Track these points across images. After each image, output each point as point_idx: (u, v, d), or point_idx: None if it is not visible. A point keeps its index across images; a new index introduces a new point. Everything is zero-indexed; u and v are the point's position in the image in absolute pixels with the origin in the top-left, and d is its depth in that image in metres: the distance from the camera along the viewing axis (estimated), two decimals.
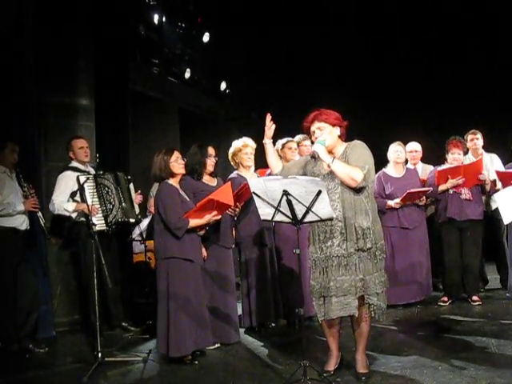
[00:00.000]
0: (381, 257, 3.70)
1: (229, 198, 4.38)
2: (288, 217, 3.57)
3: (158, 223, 4.29)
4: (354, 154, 3.68)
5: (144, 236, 5.38)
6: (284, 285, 5.19)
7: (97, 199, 4.90)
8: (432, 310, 5.62)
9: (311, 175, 3.77)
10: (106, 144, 6.19)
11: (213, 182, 4.85)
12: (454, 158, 5.74)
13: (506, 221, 5.51)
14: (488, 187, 5.71)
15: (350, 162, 3.64)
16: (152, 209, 5.25)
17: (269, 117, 3.94)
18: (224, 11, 8.74)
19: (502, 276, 6.18)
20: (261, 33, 8.74)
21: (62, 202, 4.99)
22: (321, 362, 3.89)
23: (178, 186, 4.37)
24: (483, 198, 5.88)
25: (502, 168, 5.88)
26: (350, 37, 8.67)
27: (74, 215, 5.04)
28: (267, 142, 3.97)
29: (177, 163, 4.32)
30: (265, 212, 3.61)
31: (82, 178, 4.54)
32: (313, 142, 3.81)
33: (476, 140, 6.10)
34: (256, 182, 3.60)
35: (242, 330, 5.01)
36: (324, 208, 3.46)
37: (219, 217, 4.39)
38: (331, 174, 3.68)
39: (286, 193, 3.45)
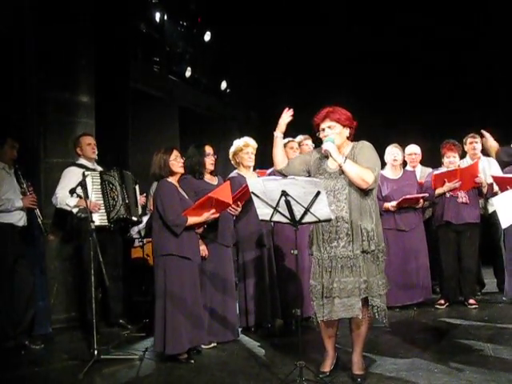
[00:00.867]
0: (382, 259, 3.71)
1: (227, 197, 4.40)
2: (286, 217, 3.57)
3: (156, 220, 4.31)
4: (363, 155, 3.66)
5: (142, 234, 5.39)
6: (281, 285, 5.19)
7: (100, 195, 5.03)
8: (429, 312, 5.63)
9: (316, 172, 3.75)
10: (105, 141, 6.18)
11: (214, 180, 4.87)
12: (450, 161, 5.76)
13: (503, 225, 5.51)
14: (485, 190, 5.73)
15: (359, 162, 3.62)
16: (151, 207, 5.26)
17: (289, 110, 3.86)
18: (225, 10, 8.74)
19: (499, 280, 6.18)
20: (262, 32, 8.73)
21: (65, 196, 5.01)
22: (317, 363, 3.89)
23: (177, 185, 4.39)
24: (480, 201, 5.89)
25: (499, 172, 5.88)
26: (349, 37, 8.66)
27: (74, 210, 5.06)
28: (278, 135, 3.89)
29: (176, 162, 4.36)
30: (263, 212, 3.61)
31: (87, 174, 4.67)
32: (320, 139, 3.78)
33: (475, 144, 6.11)
34: (255, 182, 3.60)
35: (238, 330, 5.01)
36: (322, 209, 3.45)
37: (217, 215, 4.41)
38: (338, 173, 3.67)
39: (284, 193, 3.45)
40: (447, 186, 5.63)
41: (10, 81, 5.30)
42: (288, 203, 3.49)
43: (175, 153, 4.37)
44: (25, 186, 4.87)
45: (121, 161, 6.30)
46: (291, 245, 4.07)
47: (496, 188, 5.69)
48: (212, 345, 4.65)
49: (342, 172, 3.64)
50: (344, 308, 3.62)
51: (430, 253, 5.94)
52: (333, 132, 3.69)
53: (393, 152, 5.84)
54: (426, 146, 6.49)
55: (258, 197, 3.56)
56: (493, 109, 8.00)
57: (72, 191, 4.65)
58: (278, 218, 3.61)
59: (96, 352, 4.25)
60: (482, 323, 5.08)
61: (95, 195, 5.02)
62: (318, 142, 4.43)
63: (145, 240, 5.74)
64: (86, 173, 4.69)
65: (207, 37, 8.98)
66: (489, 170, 5.99)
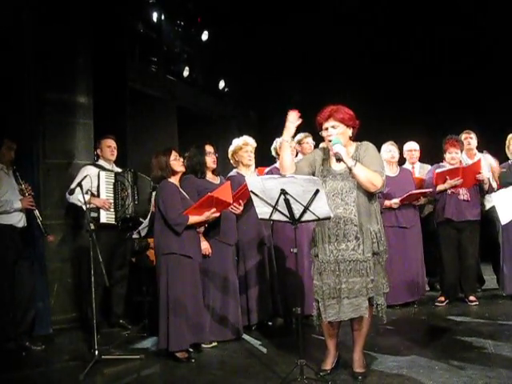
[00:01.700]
0: (385, 258, 3.74)
1: (228, 196, 4.45)
2: (285, 216, 3.57)
3: (158, 220, 4.37)
4: (369, 158, 3.64)
5: (142, 234, 5.37)
6: (281, 284, 5.20)
7: (112, 194, 5.27)
8: (429, 309, 5.63)
9: (321, 174, 3.73)
10: None
11: (216, 179, 4.89)
12: (452, 157, 5.76)
13: (502, 221, 5.53)
14: (486, 187, 5.73)
15: (365, 165, 3.59)
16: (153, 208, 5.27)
17: (295, 113, 3.70)
18: (223, 10, 8.73)
19: (499, 276, 6.19)
20: (260, 32, 8.73)
21: (77, 192, 5.01)
22: (318, 361, 3.89)
23: (178, 184, 4.45)
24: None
25: (494, 164, 5.88)
26: (349, 37, 8.65)
27: (84, 207, 5.06)
28: (287, 139, 3.75)
29: (176, 161, 4.45)
30: (262, 211, 3.61)
31: (102, 174, 5.23)
32: (321, 138, 3.75)
33: (470, 139, 6.12)
34: (254, 181, 3.59)
35: None
36: (322, 207, 3.45)
37: (218, 214, 4.44)
38: (345, 175, 3.64)
39: (283, 192, 3.45)
40: (449, 182, 5.63)
41: (9, 81, 5.29)
42: (287, 202, 3.49)
43: (174, 153, 4.45)
44: (23, 186, 4.87)
45: (119, 160, 6.29)
46: (291, 243, 4.07)
47: (494, 184, 5.71)
48: (213, 344, 4.65)
49: (348, 174, 3.62)
50: (353, 308, 3.62)
51: (429, 250, 5.95)
52: (336, 132, 3.65)
53: (390, 149, 5.85)
54: (424, 143, 6.48)
55: (257, 195, 3.55)
56: (493, 109, 8.00)
57: (71, 192, 4.69)
58: (277, 216, 3.60)
59: (97, 352, 4.25)
60: (483, 320, 5.09)
61: (107, 194, 5.27)
62: (318, 140, 4.42)
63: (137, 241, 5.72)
64: (101, 173, 5.16)
65: (205, 36, 8.97)
66: (486, 166, 5.98)
